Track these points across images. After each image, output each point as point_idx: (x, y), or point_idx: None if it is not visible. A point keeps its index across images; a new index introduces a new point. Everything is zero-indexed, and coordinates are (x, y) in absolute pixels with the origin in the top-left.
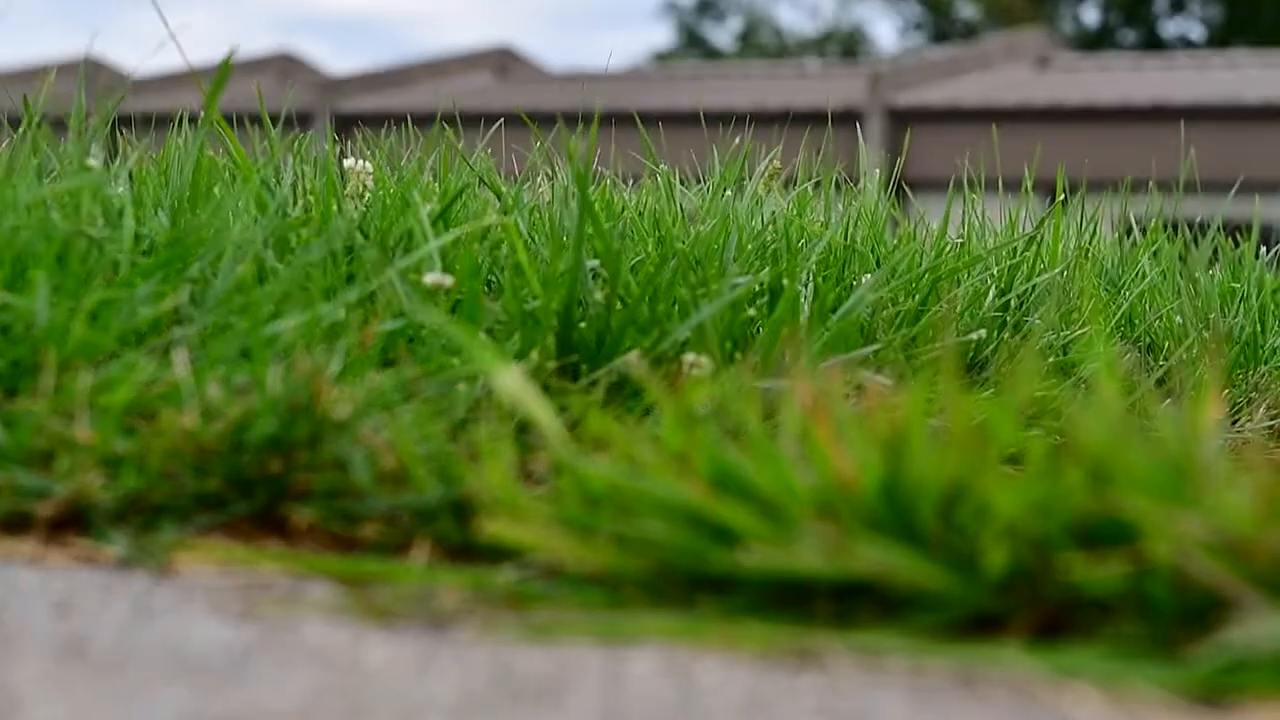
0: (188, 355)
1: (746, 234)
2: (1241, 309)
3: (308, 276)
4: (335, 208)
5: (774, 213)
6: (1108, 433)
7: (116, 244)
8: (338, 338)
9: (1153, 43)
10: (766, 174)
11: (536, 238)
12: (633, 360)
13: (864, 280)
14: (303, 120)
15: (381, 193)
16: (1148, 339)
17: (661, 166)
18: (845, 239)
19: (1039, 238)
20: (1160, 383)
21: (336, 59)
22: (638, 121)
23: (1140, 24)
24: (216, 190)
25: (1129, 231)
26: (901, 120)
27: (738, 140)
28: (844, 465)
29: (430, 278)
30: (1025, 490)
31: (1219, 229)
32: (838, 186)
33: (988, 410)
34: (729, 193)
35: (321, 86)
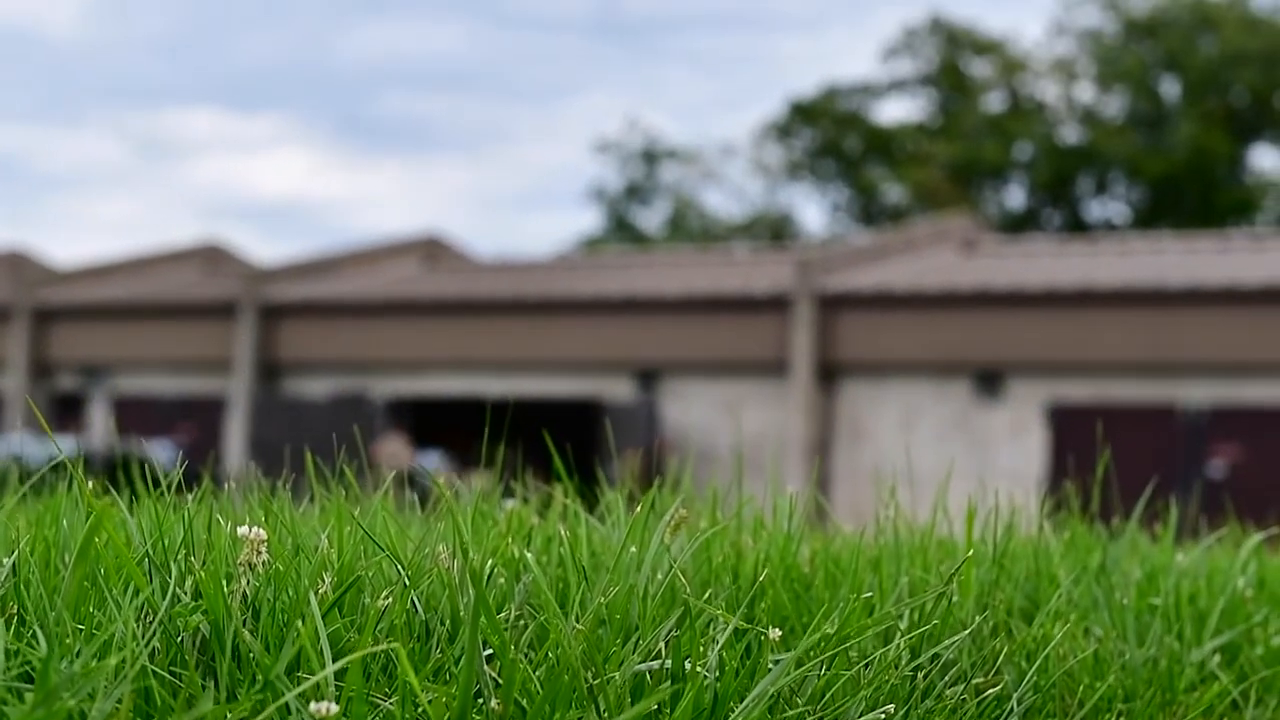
0: None
1: (651, 598)
2: (1160, 625)
3: None
4: (223, 605)
5: (679, 561)
6: None
7: None
8: None
9: (1077, 225)
10: (673, 523)
11: (436, 613)
12: None
13: (773, 634)
14: (229, 310)
15: (276, 566)
16: (1065, 678)
17: (580, 514)
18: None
19: (948, 594)
20: None
21: (263, 246)
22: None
23: (1064, 206)
24: (102, 581)
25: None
26: (830, 305)
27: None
28: None
29: (316, 707)
30: None
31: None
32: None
33: None
34: (633, 549)
35: (249, 276)
